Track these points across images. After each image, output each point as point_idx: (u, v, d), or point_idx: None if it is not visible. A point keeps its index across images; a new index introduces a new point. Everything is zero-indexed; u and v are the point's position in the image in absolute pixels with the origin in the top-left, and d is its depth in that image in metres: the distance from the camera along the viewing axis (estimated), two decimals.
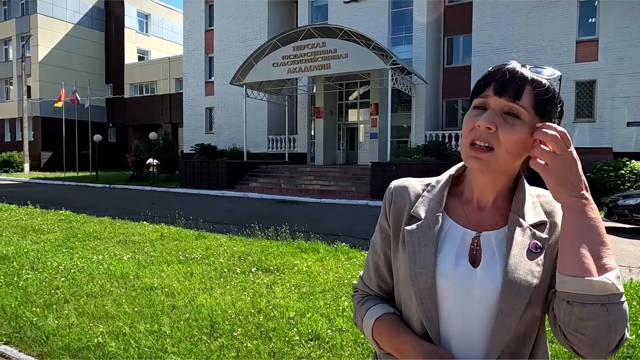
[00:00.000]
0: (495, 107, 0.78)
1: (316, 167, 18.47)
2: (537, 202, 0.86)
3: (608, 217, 8.92)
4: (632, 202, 8.40)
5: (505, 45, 16.42)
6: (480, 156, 0.79)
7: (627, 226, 8.80)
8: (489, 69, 0.82)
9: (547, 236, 0.82)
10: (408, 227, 0.88)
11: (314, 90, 20.87)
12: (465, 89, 17.11)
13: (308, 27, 16.89)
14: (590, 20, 15.59)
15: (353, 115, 21.57)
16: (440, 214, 0.88)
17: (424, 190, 0.93)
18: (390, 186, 0.97)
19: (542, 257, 0.80)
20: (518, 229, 0.82)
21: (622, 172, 12.07)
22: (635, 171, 12.06)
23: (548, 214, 0.85)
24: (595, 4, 15.41)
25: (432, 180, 0.95)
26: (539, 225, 0.83)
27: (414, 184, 0.95)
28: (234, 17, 23.06)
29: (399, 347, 0.85)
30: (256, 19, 22.33)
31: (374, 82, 18.45)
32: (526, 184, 0.88)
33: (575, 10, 15.51)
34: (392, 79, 15.50)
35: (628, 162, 12.36)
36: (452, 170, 0.94)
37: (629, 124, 14.95)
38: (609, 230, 8.76)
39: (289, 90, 21.18)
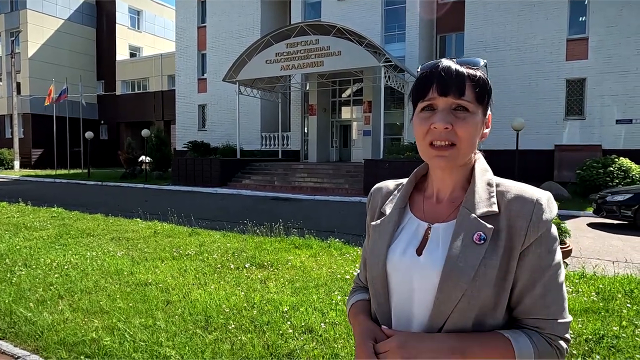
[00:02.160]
0: (444, 106, 0.84)
1: (309, 165, 18.50)
2: (494, 192, 0.86)
3: (597, 213, 9.07)
4: (620, 198, 8.54)
5: (497, 43, 16.56)
6: (444, 153, 0.84)
7: (615, 222, 8.95)
8: (420, 71, 0.88)
9: (492, 226, 0.82)
10: (373, 223, 0.98)
11: (307, 88, 20.87)
12: None
13: (301, 24, 16.88)
14: (580, 19, 15.77)
15: (346, 113, 21.61)
16: (400, 208, 0.95)
17: (395, 189, 1.01)
18: (371, 189, 1.07)
19: (485, 247, 0.81)
20: (465, 221, 0.84)
21: (611, 169, 12.26)
22: (624, 168, 12.25)
23: (502, 204, 0.84)
24: (586, 3, 15.57)
25: (404, 180, 1.02)
26: (487, 217, 0.83)
27: (389, 184, 1.04)
28: (227, 13, 22.98)
29: (354, 326, 0.97)
30: (249, 16, 22.27)
31: (367, 79, 18.51)
32: (488, 173, 0.90)
33: (565, 9, 15.68)
34: (385, 77, 15.57)
35: (617, 159, 12.56)
36: (418, 169, 1.01)
37: (617, 121, 15.17)
38: (598, 225, 8.92)
39: (282, 87, 21.17)
